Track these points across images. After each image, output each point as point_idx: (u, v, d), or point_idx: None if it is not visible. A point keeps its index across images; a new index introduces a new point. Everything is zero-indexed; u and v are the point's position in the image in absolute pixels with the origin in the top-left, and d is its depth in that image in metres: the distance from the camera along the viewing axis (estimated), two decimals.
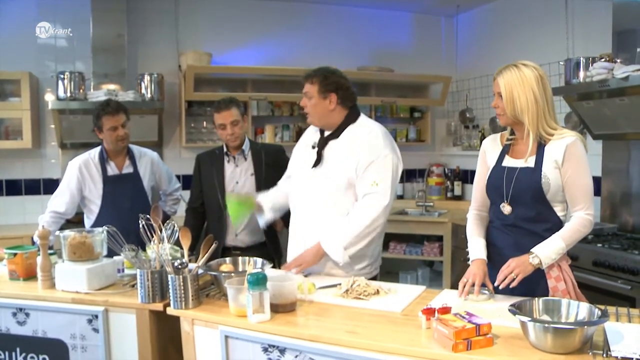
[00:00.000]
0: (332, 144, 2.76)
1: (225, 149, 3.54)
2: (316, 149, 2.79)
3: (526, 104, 2.22)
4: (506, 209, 2.34)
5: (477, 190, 2.53)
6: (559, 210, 2.30)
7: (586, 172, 2.24)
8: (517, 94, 2.23)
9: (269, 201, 3.02)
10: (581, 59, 3.83)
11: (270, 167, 3.50)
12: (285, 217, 3.52)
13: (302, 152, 2.93)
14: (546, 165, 2.25)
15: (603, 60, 3.61)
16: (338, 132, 2.75)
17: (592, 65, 3.67)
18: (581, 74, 3.79)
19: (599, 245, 3.50)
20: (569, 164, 2.22)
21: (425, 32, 6.14)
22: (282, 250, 3.53)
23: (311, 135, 2.92)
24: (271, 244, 3.54)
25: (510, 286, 2.15)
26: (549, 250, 2.18)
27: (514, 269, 2.15)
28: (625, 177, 3.99)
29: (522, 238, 2.30)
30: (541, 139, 2.27)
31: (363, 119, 2.81)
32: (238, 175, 3.51)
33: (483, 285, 2.26)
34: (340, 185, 2.68)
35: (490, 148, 2.50)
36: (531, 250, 2.19)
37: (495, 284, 2.19)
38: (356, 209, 2.65)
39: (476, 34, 5.92)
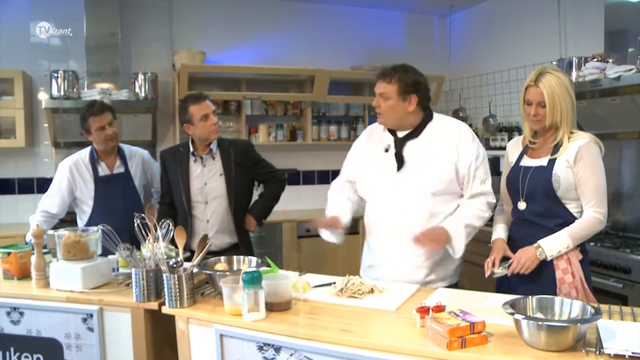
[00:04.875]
0: (411, 144, 2.60)
1: (191, 149, 3.31)
2: (392, 151, 2.62)
3: (566, 109, 2.35)
4: (521, 205, 2.49)
5: (502, 188, 2.68)
6: (572, 207, 2.41)
7: (597, 172, 2.35)
8: (559, 101, 2.34)
9: (349, 217, 2.73)
10: (574, 59, 3.86)
11: (240, 166, 3.33)
12: (259, 215, 3.44)
13: (370, 155, 2.72)
14: (558, 164, 2.37)
15: (595, 60, 3.64)
16: (417, 132, 2.60)
17: (584, 65, 3.69)
18: (574, 73, 3.81)
19: (592, 244, 3.52)
20: (581, 164, 2.35)
21: (418, 31, 6.16)
22: (255, 251, 3.44)
23: (376, 136, 2.73)
24: (244, 245, 3.37)
25: (521, 272, 2.34)
26: (554, 244, 2.33)
27: (524, 264, 2.33)
28: (616, 176, 4.02)
29: (535, 232, 2.42)
30: (560, 140, 2.39)
31: (438, 115, 2.67)
32: (206, 176, 3.29)
33: (506, 260, 2.43)
34: (431, 185, 2.53)
35: (513, 149, 2.65)
36: (538, 242, 2.34)
37: (508, 274, 2.37)
38: (475, 206, 2.56)
39: (469, 33, 5.94)
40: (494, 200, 2.60)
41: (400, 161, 2.59)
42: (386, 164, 2.63)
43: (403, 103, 2.54)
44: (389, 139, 2.66)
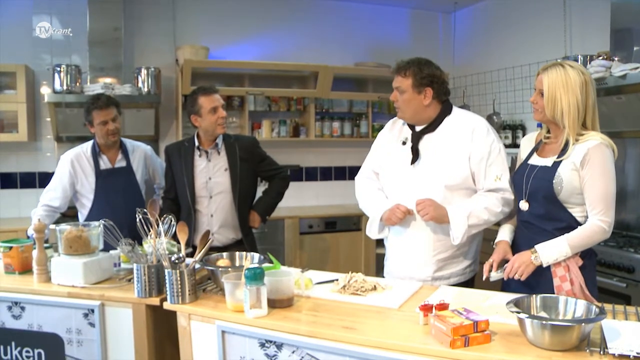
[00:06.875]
0: (427, 138, 2.61)
1: (196, 143, 3.33)
2: (409, 144, 2.64)
3: (567, 107, 2.23)
4: (523, 205, 2.39)
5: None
6: (576, 211, 2.28)
7: (604, 177, 2.20)
8: (560, 97, 2.23)
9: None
10: (579, 56, 3.83)
11: (245, 162, 3.33)
12: (263, 212, 3.45)
13: (390, 148, 2.74)
14: (564, 166, 2.25)
15: (601, 58, 3.62)
16: (434, 126, 2.61)
17: (589, 63, 3.67)
18: None
19: None
20: (588, 168, 2.20)
21: (422, 28, 6.14)
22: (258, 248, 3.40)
23: (396, 128, 2.76)
24: (248, 241, 3.36)
25: (515, 277, 2.25)
26: (551, 251, 2.22)
27: (518, 269, 2.25)
28: (621, 175, 4.00)
29: (534, 235, 2.33)
30: (566, 141, 2.28)
31: (457, 110, 2.67)
32: (211, 170, 3.30)
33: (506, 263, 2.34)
34: (445, 179, 2.53)
35: (525, 146, 2.54)
36: (535, 247, 2.24)
37: (504, 279, 2.32)
38: (486, 198, 2.52)
39: (474, 30, 5.92)
40: (512, 197, 2.50)
41: (415, 154, 2.60)
42: (403, 157, 2.64)
43: (418, 96, 2.56)
44: (408, 132, 2.68)
